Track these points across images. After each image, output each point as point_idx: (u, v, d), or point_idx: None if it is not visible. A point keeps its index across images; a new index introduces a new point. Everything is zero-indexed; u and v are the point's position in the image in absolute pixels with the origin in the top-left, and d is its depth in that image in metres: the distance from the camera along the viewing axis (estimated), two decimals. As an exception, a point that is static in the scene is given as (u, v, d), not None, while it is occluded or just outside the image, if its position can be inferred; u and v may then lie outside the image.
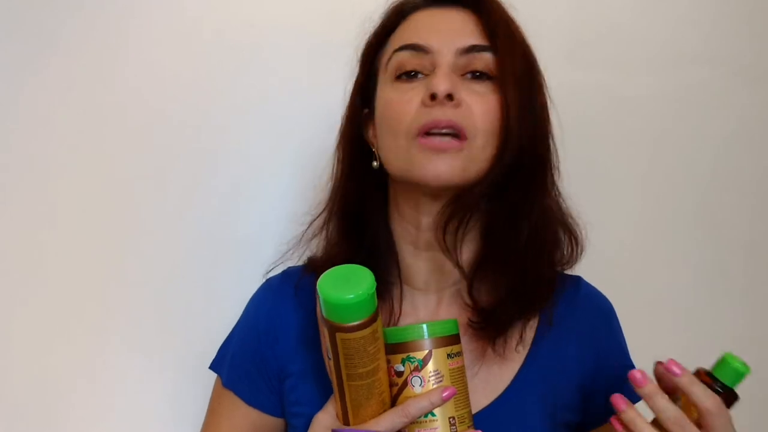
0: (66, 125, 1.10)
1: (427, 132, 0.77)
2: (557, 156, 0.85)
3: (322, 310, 0.70)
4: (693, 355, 1.18)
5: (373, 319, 0.69)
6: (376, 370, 0.72)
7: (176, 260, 1.12)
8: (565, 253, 0.85)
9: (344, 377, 0.71)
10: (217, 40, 1.12)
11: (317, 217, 0.90)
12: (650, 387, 0.69)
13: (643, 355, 0.88)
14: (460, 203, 0.80)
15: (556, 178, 0.85)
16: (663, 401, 0.69)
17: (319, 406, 0.79)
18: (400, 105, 0.79)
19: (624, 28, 1.18)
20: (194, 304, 1.12)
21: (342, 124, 0.89)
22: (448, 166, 0.76)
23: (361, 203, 0.86)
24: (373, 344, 0.70)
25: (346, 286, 0.68)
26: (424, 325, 0.73)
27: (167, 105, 1.11)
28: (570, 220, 0.86)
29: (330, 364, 0.73)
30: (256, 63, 1.12)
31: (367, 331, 0.69)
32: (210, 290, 1.12)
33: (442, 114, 0.76)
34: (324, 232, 0.89)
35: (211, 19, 1.12)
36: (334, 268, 0.71)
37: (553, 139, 0.84)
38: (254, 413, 0.88)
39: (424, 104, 0.78)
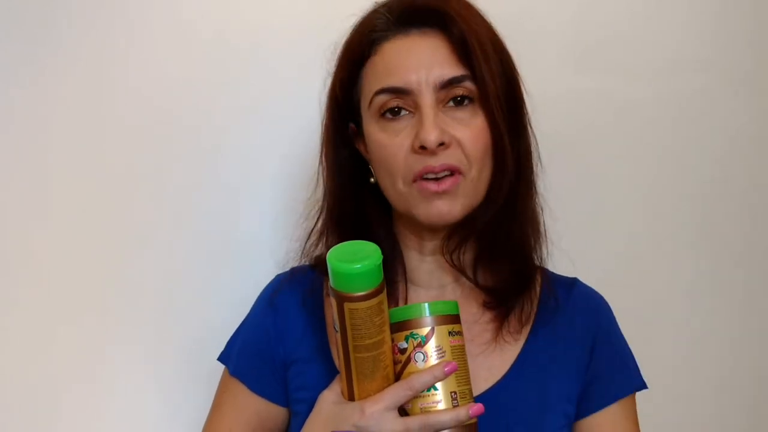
0: (65, 125, 1.10)
1: (424, 177, 0.80)
2: (537, 148, 0.87)
3: (330, 281, 0.73)
4: (691, 359, 1.20)
5: (379, 291, 0.72)
6: (381, 342, 0.74)
7: (175, 261, 1.12)
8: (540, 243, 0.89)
9: (351, 349, 0.74)
10: (217, 41, 1.13)
11: (312, 230, 0.92)
12: None
13: (641, 360, 0.91)
14: (463, 231, 0.84)
15: (538, 170, 0.88)
16: None
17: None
18: (391, 150, 0.81)
19: (626, 35, 1.19)
20: (193, 304, 1.12)
21: (324, 142, 0.89)
22: (449, 206, 0.80)
23: (361, 218, 0.88)
24: (379, 315, 0.73)
25: (354, 258, 0.71)
26: (426, 304, 0.76)
27: (167, 105, 1.12)
28: (540, 217, 0.89)
29: (337, 337, 0.75)
30: (256, 64, 1.13)
31: (373, 302, 0.72)
32: (208, 290, 1.13)
33: (435, 161, 0.79)
34: (322, 243, 0.91)
35: (211, 20, 1.13)
36: (342, 243, 0.75)
37: (532, 129, 0.87)
38: (259, 402, 0.89)
39: (414, 151, 0.80)
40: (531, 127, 0.87)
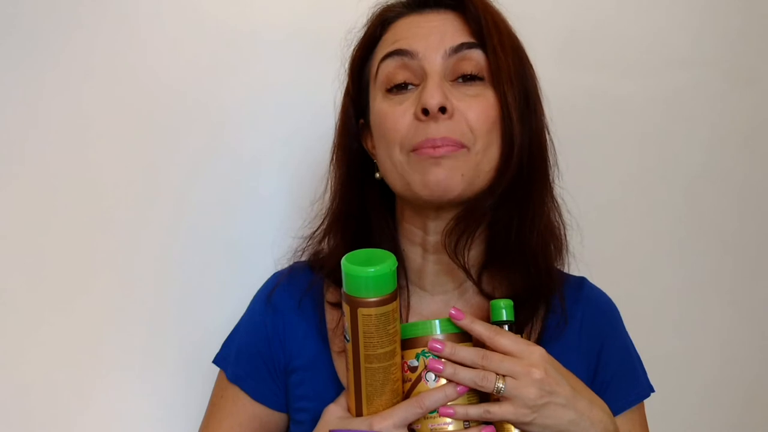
0: (58, 125, 1.08)
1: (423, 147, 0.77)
2: (554, 152, 0.85)
3: (344, 287, 0.71)
4: (687, 354, 1.22)
5: (393, 297, 0.71)
6: (393, 353, 0.73)
7: (170, 262, 1.11)
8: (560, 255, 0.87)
9: (362, 358, 0.73)
10: (215, 41, 1.11)
11: (318, 229, 0.90)
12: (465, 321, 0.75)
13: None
14: (468, 218, 0.79)
15: (554, 175, 0.85)
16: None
17: (325, 401, 0.80)
18: (393, 118, 0.79)
19: (614, 30, 1.19)
20: (191, 305, 1.11)
21: (336, 138, 0.89)
22: (447, 174, 0.76)
23: (364, 214, 0.86)
24: (392, 324, 0.72)
25: (369, 263, 0.70)
26: (437, 321, 0.75)
27: (163, 105, 1.10)
28: (561, 219, 0.87)
29: (348, 347, 0.74)
30: (255, 63, 1.12)
31: (387, 308, 0.71)
32: (207, 291, 1.12)
33: (437, 131, 0.76)
34: (325, 242, 0.89)
35: (209, 20, 1.11)
36: (356, 251, 0.73)
37: (549, 134, 0.85)
38: (259, 408, 0.88)
39: (417, 118, 0.77)
40: (549, 132, 0.84)
